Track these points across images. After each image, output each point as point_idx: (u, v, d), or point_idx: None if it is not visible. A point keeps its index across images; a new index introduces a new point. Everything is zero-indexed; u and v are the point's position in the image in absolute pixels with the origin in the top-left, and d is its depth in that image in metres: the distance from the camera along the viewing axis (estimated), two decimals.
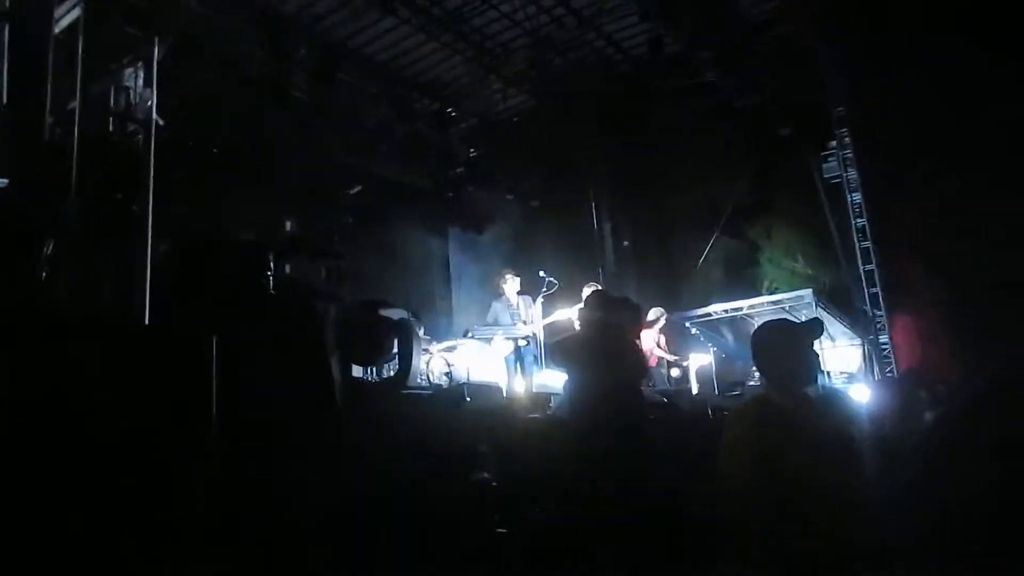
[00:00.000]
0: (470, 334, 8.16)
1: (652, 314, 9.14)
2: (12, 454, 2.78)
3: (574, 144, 11.69)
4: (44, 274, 4.64)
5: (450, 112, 11.41)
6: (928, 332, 9.21)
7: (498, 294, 8.29)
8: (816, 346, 2.92)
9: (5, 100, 5.02)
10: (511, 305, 8.21)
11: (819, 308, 9.45)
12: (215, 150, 8.53)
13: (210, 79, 8.04)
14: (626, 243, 12.40)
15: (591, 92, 11.06)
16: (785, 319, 3.74)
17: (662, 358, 9.09)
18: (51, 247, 4.67)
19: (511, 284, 8.26)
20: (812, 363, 2.87)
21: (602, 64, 11.06)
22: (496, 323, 8.05)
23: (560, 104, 11.26)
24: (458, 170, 11.41)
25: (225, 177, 8.12)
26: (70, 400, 3.01)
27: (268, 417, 4.19)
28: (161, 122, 4.97)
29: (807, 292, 9.81)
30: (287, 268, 5.90)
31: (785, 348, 2.83)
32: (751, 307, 9.91)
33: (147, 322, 4.62)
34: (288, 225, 6.17)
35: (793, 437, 2.65)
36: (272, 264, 5.57)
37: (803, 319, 9.58)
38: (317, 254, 6.01)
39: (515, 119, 12.01)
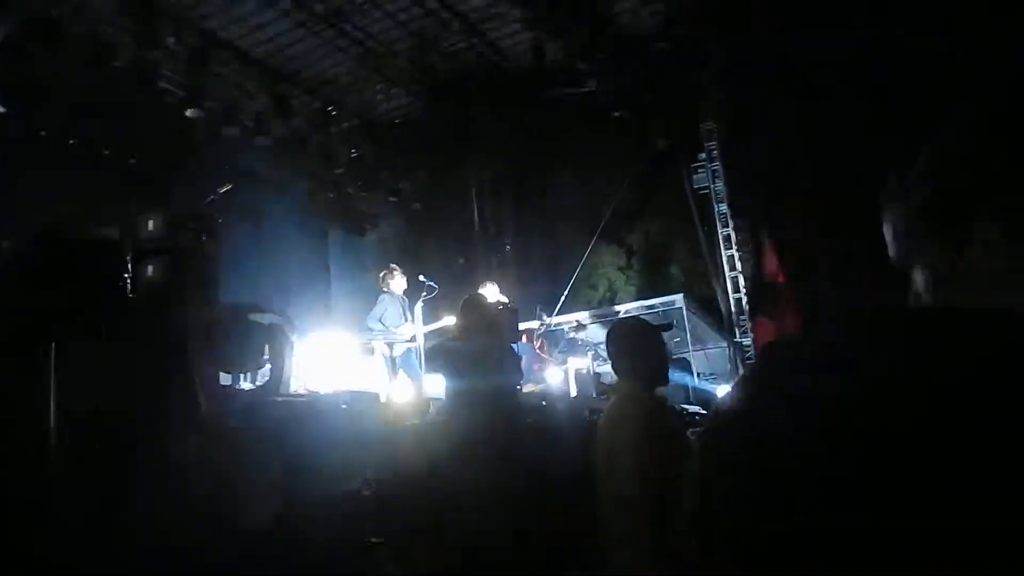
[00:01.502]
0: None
1: (534, 319, 9.30)
2: None
3: (457, 147, 11.70)
4: None
5: (331, 111, 11.16)
6: (787, 333, 9.85)
7: (384, 289, 8.11)
8: (674, 347, 3.06)
9: None
10: (400, 300, 8.05)
11: (689, 312, 9.89)
12: (72, 141, 7.95)
13: (71, 64, 7.49)
14: (508, 247, 12.54)
15: (475, 95, 11.11)
16: (636, 318, 3.88)
17: (544, 361, 9.25)
18: None
19: (398, 280, 8.11)
20: (660, 362, 2.97)
21: (485, 68, 11.14)
22: (385, 317, 7.86)
23: (443, 106, 11.25)
24: (338, 171, 11.16)
25: (84, 171, 7.58)
26: None
27: (122, 428, 3.94)
28: (2, 109, 4.57)
29: (678, 297, 10.27)
30: (149, 270, 5.57)
31: (634, 346, 2.93)
32: (626, 311, 10.25)
33: None
34: (151, 224, 5.81)
35: (651, 428, 2.74)
36: (131, 265, 5.25)
37: (672, 323, 10.09)
38: (182, 255, 5.69)
39: (397, 120, 11.90)
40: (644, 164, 12.04)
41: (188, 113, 8.99)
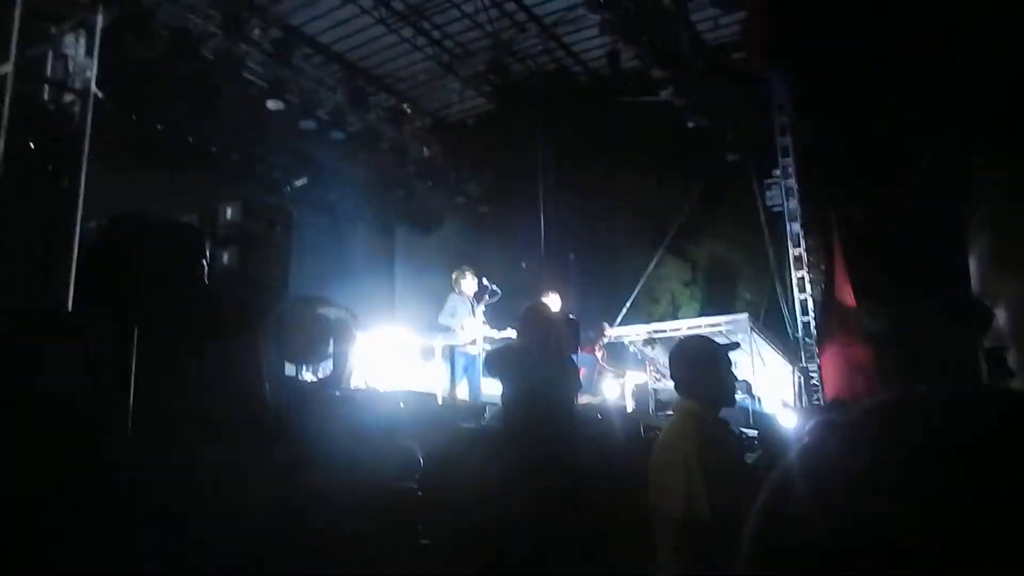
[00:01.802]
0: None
1: (596, 332, 9.22)
2: None
3: (526, 151, 11.70)
4: None
5: (405, 108, 11.29)
6: (857, 363, 9.53)
7: (455, 290, 8.11)
8: (738, 368, 2.98)
9: None
10: (469, 300, 8.03)
11: (754, 333, 9.66)
12: (160, 127, 8.24)
13: (160, 53, 7.76)
14: (572, 255, 12.47)
15: (547, 100, 11.10)
16: (702, 336, 3.80)
17: (603, 372, 9.16)
18: None
19: (469, 281, 8.08)
20: (726, 382, 2.90)
21: (560, 73, 11.11)
22: (453, 315, 7.86)
23: (515, 110, 11.26)
24: (409, 168, 11.28)
25: (169, 157, 7.85)
26: None
27: (192, 409, 4.04)
28: (100, 94, 4.75)
29: (743, 316, 10.03)
30: (225, 257, 5.72)
31: (698, 365, 2.87)
32: (689, 328, 10.07)
33: (71, 303, 4.42)
34: (229, 212, 5.97)
35: (706, 455, 2.67)
36: (209, 252, 5.39)
37: (737, 343, 9.86)
38: (257, 244, 5.83)
39: (469, 121, 11.96)
40: (714, 177, 11.83)
41: (269, 104, 9.20)
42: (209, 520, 3.25)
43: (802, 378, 10.10)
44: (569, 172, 12.37)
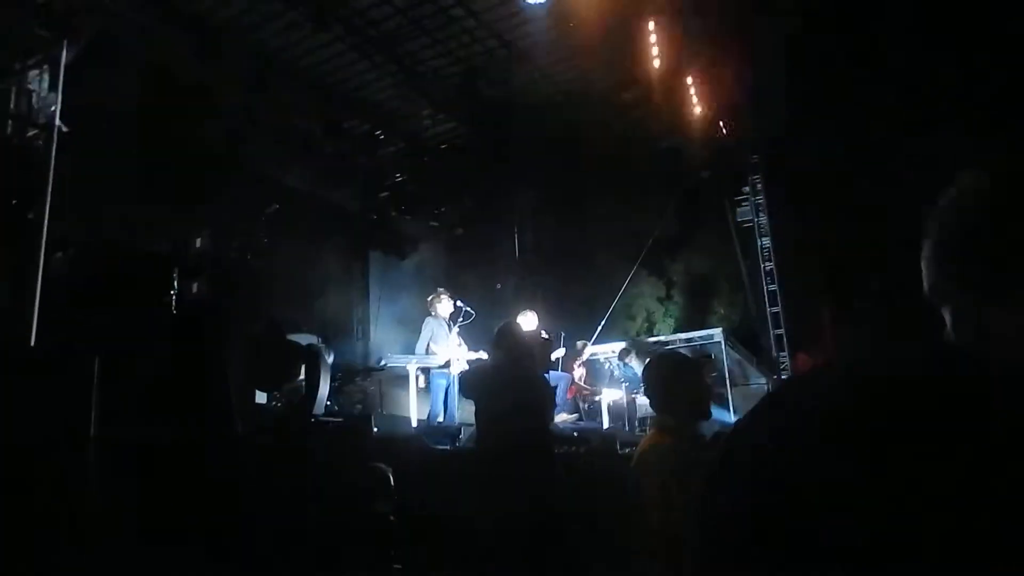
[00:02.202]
0: (384, 363, 8.02)
1: (578, 345, 9.25)
2: None
3: (499, 173, 11.79)
4: None
5: (379, 134, 11.34)
6: None
7: (431, 313, 8.12)
8: (713, 381, 3.02)
9: None
10: (445, 323, 8.05)
11: (728, 347, 9.75)
12: (132, 157, 8.20)
13: (129, 83, 7.75)
14: (549, 276, 12.54)
15: (519, 122, 11.20)
16: (676, 351, 3.85)
17: (581, 389, 9.19)
18: None
19: (445, 304, 8.09)
20: (701, 396, 2.92)
21: (532, 94, 11.23)
22: (432, 342, 7.85)
23: (488, 133, 11.36)
24: (383, 193, 11.32)
25: (141, 185, 7.81)
26: None
27: (158, 441, 4.02)
28: (64, 128, 4.76)
29: (717, 331, 10.13)
30: (194, 286, 5.72)
31: (672, 380, 2.89)
32: (665, 343, 10.15)
33: (35, 334, 4.40)
34: (199, 241, 5.98)
35: (682, 469, 2.69)
36: (177, 281, 5.39)
37: (711, 356, 9.94)
38: (227, 273, 5.83)
39: (443, 145, 12.03)
40: (685, 195, 11.99)
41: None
42: (176, 545, 3.23)
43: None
44: (544, 191, 12.48)
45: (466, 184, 12.09)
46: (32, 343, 4.26)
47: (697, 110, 10.55)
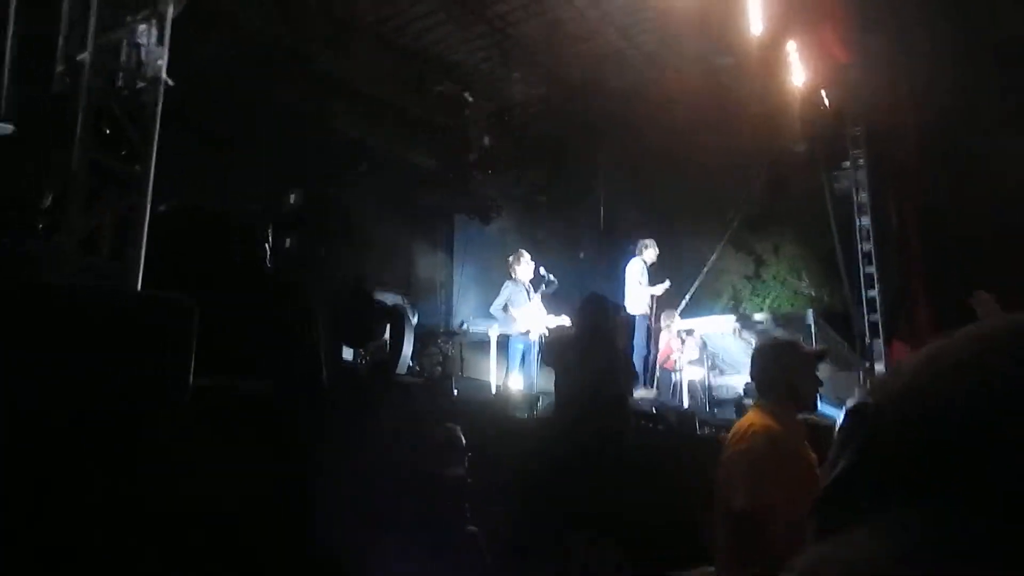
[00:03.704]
0: (465, 326, 8.08)
1: (665, 318, 9.07)
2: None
3: (588, 141, 11.59)
4: (41, 225, 4.60)
5: (467, 96, 11.30)
6: None
7: (511, 275, 8.09)
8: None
9: (17, 46, 4.97)
10: (525, 286, 8.02)
11: (817, 330, 9.38)
12: (224, 116, 8.44)
13: (222, 43, 7.94)
14: (631, 246, 12.33)
15: (608, 88, 10.95)
16: (792, 338, 3.68)
17: (675, 362, 8.95)
18: (50, 199, 4.63)
19: (525, 267, 8.04)
20: (814, 388, 2.80)
21: (622, 61, 10.94)
22: (510, 304, 7.85)
23: (574, 99, 11.16)
24: (470, 156, 11.31)
25: (233, 145, 8.04)
26: (54, 364, 2.98)
27: (250, 390, 4.15)
28: (170, 82, 4.88)
29: (807, 312, 9.75)
30: (286, 242, 5.85)
31: (788, 367, 2.77)
32: (742, 324, 9.84)
33: (140, 284, 4.58)
34: (292, 199, 6.10)
35: (786, 461, 2.60)
36: (271, 237, 5.53)
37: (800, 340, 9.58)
38: (318, 230, 5.94)
39: (531, 110, 11.90)
40: (779, 169, 11.51)
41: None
42: (263, 504, 3.33)
43: (869, 378, 9.76)
44: (631, 162, 12.21)
45: (552, 150, 11.95)
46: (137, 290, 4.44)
47: (798, 78, 10.05)
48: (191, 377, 3.45)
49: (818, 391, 2.81)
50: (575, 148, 11.83)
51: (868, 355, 9.84)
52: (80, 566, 2.84)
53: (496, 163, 11.58)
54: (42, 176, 4.64)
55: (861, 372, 9.90)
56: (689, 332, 9.12)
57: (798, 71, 10.15)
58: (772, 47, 10.01)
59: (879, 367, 9.62)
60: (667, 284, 8.81)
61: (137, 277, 4.53)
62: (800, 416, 2.81)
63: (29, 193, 4.62)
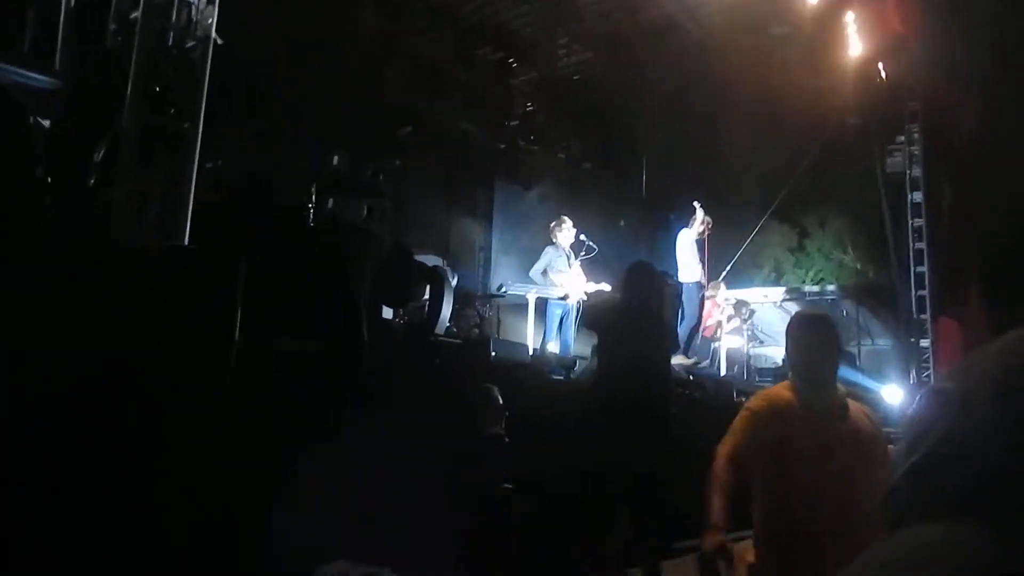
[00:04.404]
0: (504, 289, 8.12)
1: (711, 288, 8.99)
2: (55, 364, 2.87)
3: (633, 109, 11.42)
4: (93, 180, 4.72)
5: (512, 63, 11.21)
6: (973, 343, 8.94)
7: (552, 240, 8.10)
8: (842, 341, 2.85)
9: (72, 4, 5.07)
10: (565, 252, 8.04)
11: (860, 304, 9.21)
12: (271, 76, 8.51)
13: (274, 4, 7.98)
14: (672, 215, 12.19)
15: (655, 56, 10.74)
16: (815, 311, 3.64)
17: (717, 331, 8.88)
18: (102, 154, 4.74)
19: (566, 232, 8.03)
20: (831, 358, 2.75)
21: (671, 28, 10.72)
22: (550, 269, 7.87)
23: (623, 67, 10.98)
24: (513, 123, 11.25)
25: (280, 104, 8.12)
26: (106, 316, 3.09)
27: (290, 344, 4.26)
28: (219, 41, 4.94)
29: (850, 285, 9.58)
30: (329, 202, 5.91)
31: (808, 340, 2.75)
32: (790, 295, 9.70)
33: (187, 238, 4.69)
34: (335, 160, 6.15)
35: (801, 432, 2.59)
36: (315, 197, 5.60)
37: (844, 313, 9.43)
38: (361, 191, 6.00)
39: (576, 77, 11.75)
40: (828, 141, 11.22)
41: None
42: (302, 457, 3.42)
43: (911, 353, 9.56)
44: (676, 129, 12.01)
45: (596, 118, 11.82)
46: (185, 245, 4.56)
47: (854, 50, 9.73)
48: (237, 332, 3.55)
49: (835, 366, 2.75)
50: (620, 116, 11.68)
51: (914, 331, 9.63)
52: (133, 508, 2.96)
53: (540, 130, 11.50)
54: (94, 132, 4.75)
55: (903, 347, 9.72)
56: (739, 303, 9.01)
57: (855, 42, 9.82)
58: (830, 18, 9.70)
59: (924, 343, 9.43)
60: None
61: (185, 232, 4.64)
62: (846, 392, 2.76)
63: (82, 148, 4.74)
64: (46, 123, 4.71)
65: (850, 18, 9.71)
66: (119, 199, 4.56)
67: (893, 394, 7.97)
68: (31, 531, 2.66)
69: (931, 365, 9.36)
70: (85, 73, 4.83)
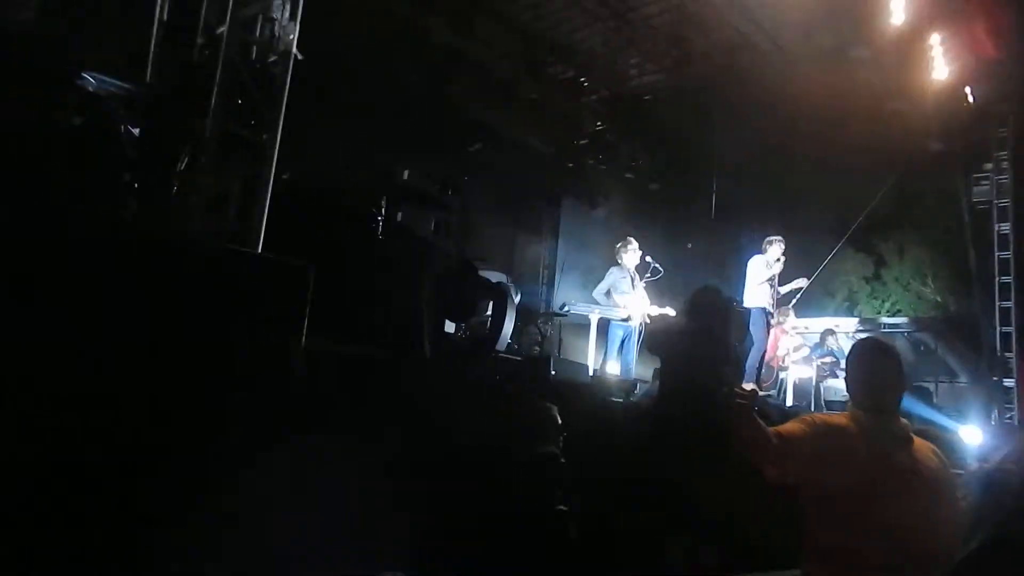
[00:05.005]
0: (567, 308, 8.08)
1: (779, 315, 8.77)
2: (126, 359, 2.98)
3: (703, 130, 11.28)
4: (175, 186, 4.92)
5: (582, 81, 11.22)
6: None
7: (618, 260, 8.04)
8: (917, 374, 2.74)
9: (166, 19, 5.32)
10: (630, 273, 7.98)
11: (940, 338, 8.81)
12: (347, 89, 8.73)
13: (348, 16, 8.19)
14: (742, 240, 11.92)
15: (727, 76, 10.58)
16: (878, 338, 3.51)
17: (773, 359, 8.64)
18: (185, 163, 4.94)
19: (632, 254, 7.97)
20: (894, 388, 2.63)
21: (745, 48, 10.54)
22: (613, 290, 7.82)
23: (693, 88, 10.86)
24: (582, 141, 11.25)
25: (354, 116, 8.32)
26: (177, 317, 3.19)
27: (355, 351, 4.31)
28: (300, 56, 5.10)
29: (931, 319, 9.18)
30: (399, 215, 6.01)
31: (870, 368, 2.63)
32: (866, 326, 9.36)
33: (261, 246, 4.83)
34: (405, 173, 6.26)
35: (862, 458, 2.47)
36: (384, 209, 5.70)
37: (921, 347, 9.03)
38: (429, 205, 6.08)
39: (646, 97, 11.68)
40: (909, 167, 10.82)
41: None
42: (355, 461, 3.45)
43: (996, 394, 9.07)
44: (748, 152, 11.79)
45: (665, 138, 11.71)
46: (259, 251, 4.69)
47: (940, 73, 9.38)
48: (304, 338, 3.62)
49: (898, 396, 2.62)
50: (690, 136, 11.54)
51: (996, 369, 9.15)
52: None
53: (608, 149, 11.46)
54: (179, 140, 4.95)
55: (985, 386, 9.23)
56: (826, 332, 8.73)
57: (940, 66, 9.47)
58: (914, 40, 9.38)
59: (1008, 383, 8.93)
60: (803, 283, 8.44)
61: (259, 239, 4.78)
62: (910, 425, 2.65)
63: (167, 155, 4.94)
64: (136, 131, 4.94)
65: (936, 40, 9.35)
66: (198, 204, 4.73)
67: (972, 435, 7.57)
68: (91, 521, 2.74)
69: (1015, 406, 8.87)
70: (173, 84, 5.04)
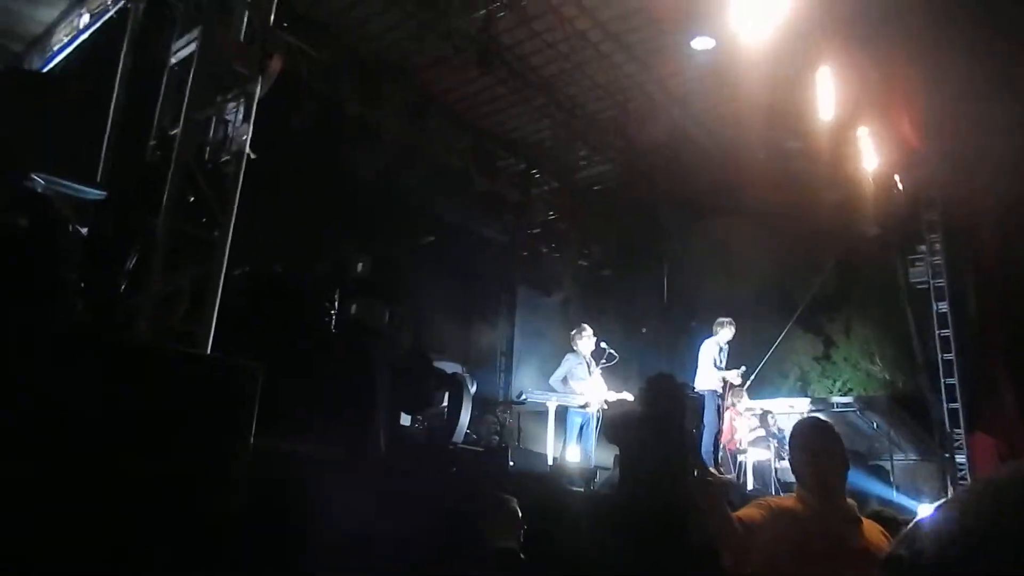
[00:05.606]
0: (524, 397, 8.05)
1: (732, 397, 8.85)
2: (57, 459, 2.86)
3: (651, 217, 11.65)
4: (123, 286, 4.85)
5: (533, 172, 11.58)
6: (1008, 457, 8.61)
7: (573, 347, 8.10)
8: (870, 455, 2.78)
9: (118, 120, 5.39)
10: (586, 359, 8.02)
11: (892, 416, 8.97)
12: (298, 183, 8.84)
13: (302, 117, 8.38)
14: (693, 323, 12.15)
15: (673, 167, 11.04)
16: (816, 418, 3.56)
17: (728, 443, 8.67)
18: (134, 261, 4.90)
19: (587, 340, 8.05)
20: (837, 466, 2.65)
21: (689, 141, 11.05)
22: (570, 377, 7.83)
23: (641, 176, 11.29)
24: (535, 230, 11.50)
25: (307, 210, 8.39)
26: (113, 417, 3.09)
27: (306, 453, 4.21)
28: (253, 156, 5.17)
29: (880, 397, 9.37)
30: (352, 308, 6.00)
31: (811, 448, 2.67)
32: (818, 406, 9.49)
33: (211, 343, 4.75)
34: (360, 266, 6.29)
35: (812, 537, 2.49)
36: (337, 302, 5.69)
37: (875, 425, 9.16)
38: (383, 298, 6.09)
39: (595, 187, 12.09)
40: (850, 251, 11.28)
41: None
42: (313, 558, 3.33)
43: (949, 470, 9.21)
44: (695, 238, 12.18)
45: (616, 226, 12.04)
46: (208, 352, 4.61)
47: (869, 163, 9.93)
48: (252, 438, 3.53)
49: (842, 473, 2.65)
50: (640, 224, 11.90)
51: (947, 445, 9.32)
52: None
53: (561, 237, 11.73)
54: (128, 239, 4.92)
55: (939, 462, 9.37)
56: (764, 414, 8.84)
57: (870, 156, 10.03)
58: (843, 132, 9.95)
59: (960, 458, 9.09)
60: (742, 371, 8.68)
61: (208, 337, 4.71)
62: (868, 508, 2.69)
63: (115, 254, 4.90)
64: (84, 230, 4.90)
65: (864, 132, 9.94)
66: (147, 303, 4.66)
67: (927, 511, 7.61)
68: None
69: (968, 481, 9.01)
70: (124, 183, 5.05)
